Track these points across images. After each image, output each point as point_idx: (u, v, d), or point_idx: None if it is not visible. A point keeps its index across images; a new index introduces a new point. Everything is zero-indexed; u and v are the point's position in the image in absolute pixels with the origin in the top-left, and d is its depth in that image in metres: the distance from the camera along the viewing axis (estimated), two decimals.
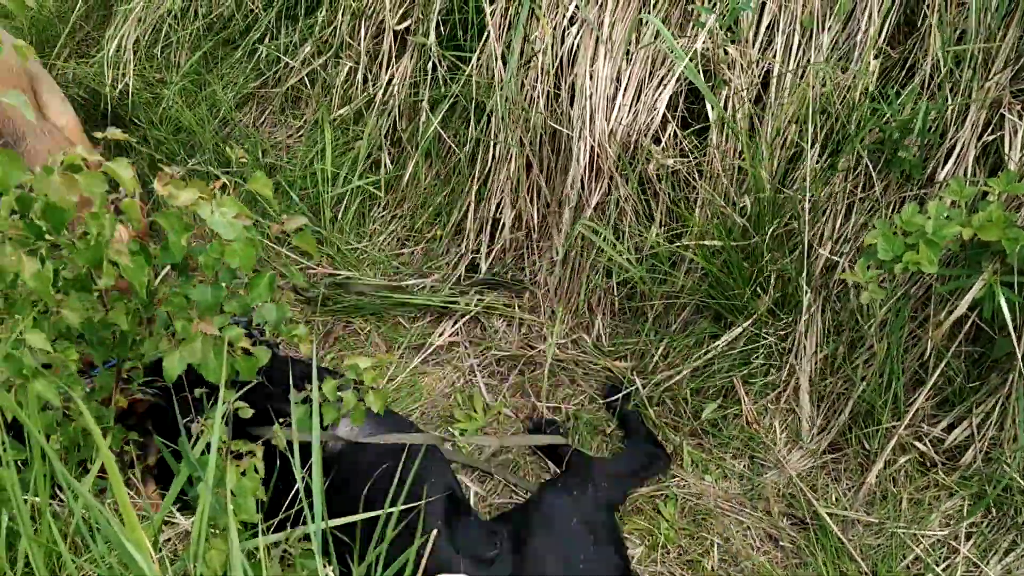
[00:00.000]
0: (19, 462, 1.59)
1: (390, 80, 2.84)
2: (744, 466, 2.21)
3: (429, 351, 2.49)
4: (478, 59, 2.66)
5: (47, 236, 1.24)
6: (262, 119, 3.06)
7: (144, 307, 1.43)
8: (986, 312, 1.92)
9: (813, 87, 2.28)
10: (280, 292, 1.47)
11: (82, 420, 1.41)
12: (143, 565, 1.30)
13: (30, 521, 1.48)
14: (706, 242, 2.36)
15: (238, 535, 1.53)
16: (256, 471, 1.43)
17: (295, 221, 1.39)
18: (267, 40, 2.96)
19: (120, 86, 2.98)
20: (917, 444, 2.11)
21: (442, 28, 2.73)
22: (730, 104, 2.37)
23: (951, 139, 2.15)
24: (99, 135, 1.43)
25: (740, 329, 2.29)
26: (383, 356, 1.68)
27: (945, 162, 2.15)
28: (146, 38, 3.02)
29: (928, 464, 2.11)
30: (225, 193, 1.31)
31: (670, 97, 2.41)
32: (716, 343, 2.31)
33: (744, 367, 2.30)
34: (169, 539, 1.91)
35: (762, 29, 2.36)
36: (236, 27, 2.97)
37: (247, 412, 1.57)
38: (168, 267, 1.45)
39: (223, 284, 1.39)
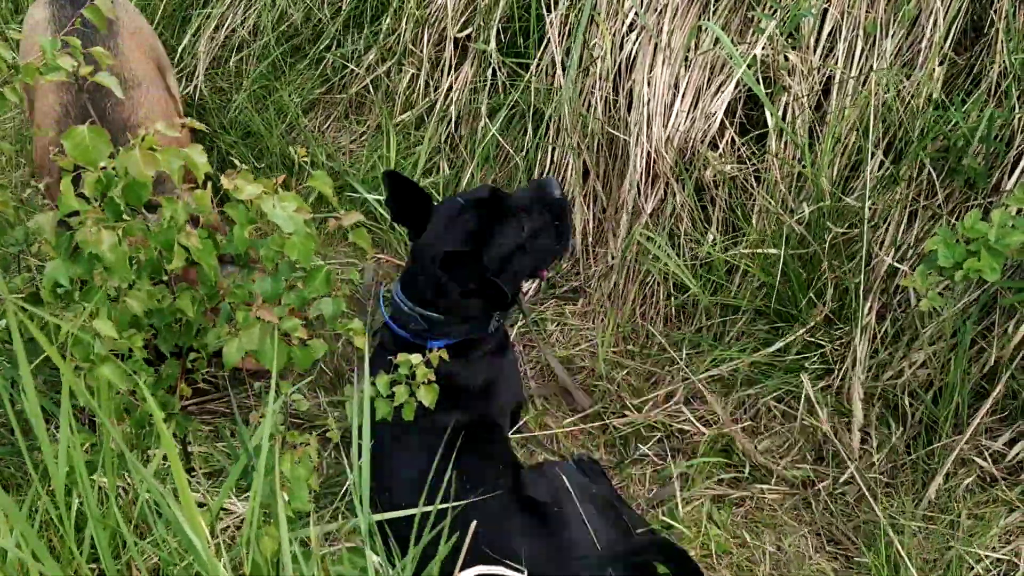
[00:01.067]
0: (89, 446, 1.66)
1: (450, 86, 2.89)
2: (800, 474, 2.18)
3: None
4: (537, 66, 2.69)
5: (124, 216, 1.31)
6: (327, 124, 3.14)
7: (209, 297, 1.49)
8: None
9: (876, 94, 2.25)
10: (337, 286, 1.51)
11: (147, 406, 1.47)
12: (200, 550, 1.35)
13: (97, 504, 1.55)
14: (763, 250, 2.34)
15: (291, 523, 1.58)
16: (310, 459, 1.47)
17: (351, 217, 1.43)
18: (334, 48, 3.04)
19: (191, 90, 3.09)
20: (978, 459, 2.05)
21: (502, 35, 2.78)
22: (790, 111, 2.35)
23: (1018, 147, 2.10)
24: (162, 127, 1.49)
25: (795, 336, 2.27)
26: (435, 353, 1.70)
27: (1012, 171, 2.10)
28: (219, 48, 3.13)
29: (989, 479, 2.06)
30: (287, 189, 1.36)
31: (728, 103, 2.40)
32: (769, 348, 2.29)
33: (798, 376, 2.27)
34: (228, 527, 1.98)
35: (824, 35, 2.34)
36: (304, 36, 3.05)
37: (303, 405, 1.62)
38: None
39: (282, 276, 1.44)
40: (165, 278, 1.51)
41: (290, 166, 2.86)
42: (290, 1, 3.02)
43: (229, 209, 1.43)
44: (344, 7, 2.96)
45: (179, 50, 3.20)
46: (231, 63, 3.15)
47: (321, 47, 3.02)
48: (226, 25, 3.14)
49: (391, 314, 2.02)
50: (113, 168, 1.36)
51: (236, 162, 1.96)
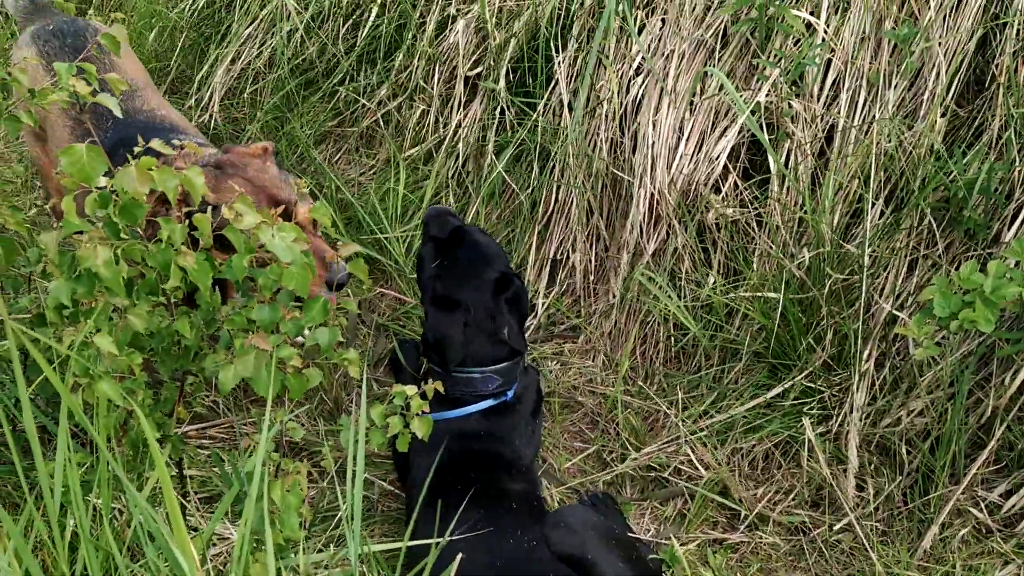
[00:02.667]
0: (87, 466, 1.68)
1: (459, 123, 2.93)
2: (796, 520, 2.17)
3: None
4: (545, 105, 2.74)
5: (122, 235, 1.34)
6: (337, 156, 3.19)
7: (207, 323, 1.52)
8: None
9: (877, 143, 2.27)
10: (334, 316, 1.54)
11: (143, 428, 1.49)
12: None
13: (91, 525, 1.56)
14: (763, 294, 2.35)
15: (282, 551, 1.58)
16: (300, 488, 1.48)
17: (348, 248, 1.46)
18: (347, 82, 3.09)
19: (205, 119, 3.15)
20: (973, 510, 2.04)
21: (511, 75, 2.82)
22: (792, 157, 2.38)
23: (1017, 200, 2.11)
24: (158, 146, 1.53)
25: (793, 381, 2.27)
26: (431, 385, 1.72)
27: (1011, 223, 2.11)
28: (234, 79, 3.19)
29: (984, 530, 2.04)
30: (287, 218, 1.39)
31: (732, 148, 2.43)
32: (768, 394, 2.30)
33: (796, 421, 2.27)
34: (220, 552, 1.98)
35: (827, 84, 2.37)
36: (319, 70, 3.11)
37: (298, 433, 1.63)
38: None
39: (280, 305, 1.46)
40: (164, 300, 1.54)
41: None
42: (306, 36, 3.08)
43: (228, 234, 1.45)
44: (359, 43, 3.02)
45: (196, 80, 3.27)
46: (246, 94, 3.21)
47: (334, 81, 3.08)
48: (242, 58, 3.20)
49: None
50: (112, 187, 1.39)
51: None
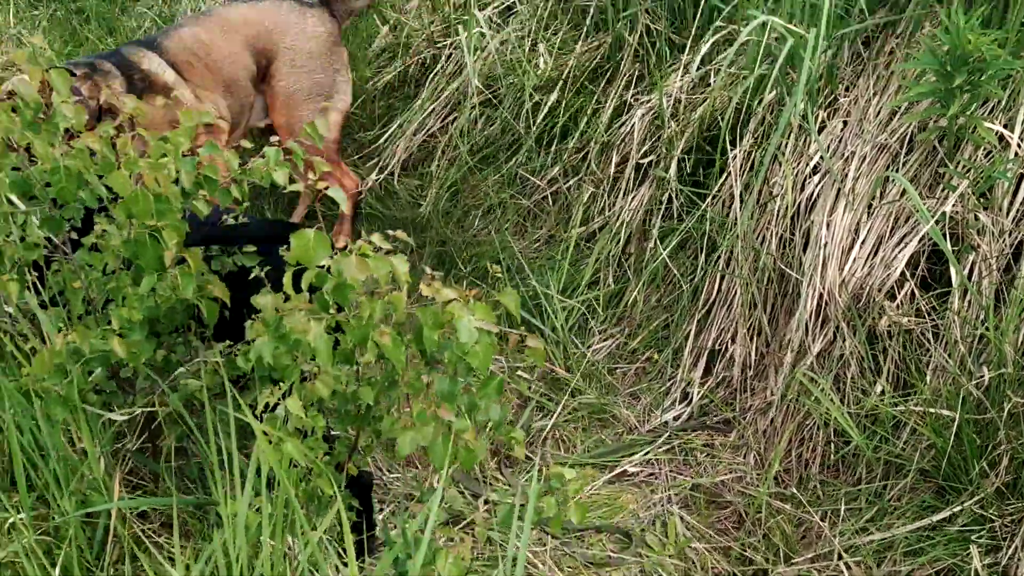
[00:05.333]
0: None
1: (625, 207, 2.99)
2: None
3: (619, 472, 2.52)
4: (714, 196, 2.76)
5: (330, 311, 1.46)
6: (504, 228, 3.31)
7: (389, 387, 1.61)
8: None
9: None
10: (506, 395, 1.60)
11: (319, 481, 1.59)
12: None
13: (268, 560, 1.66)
14: (935, 409, 2.25)
15: None
16: (463, 559, 1.53)
17: (535, 342, 1.53)
18: (520, 160, 3.22)
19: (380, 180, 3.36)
20: None
21: (684, 164, 2.86)
22: (976, 270, 2.29)
23: None
24: (377, 241, 1.65)
25: (963, 506, 2.15)
26: (587, 472, 1.74)
27: None
28: (415, 151, 3.40)
29: None
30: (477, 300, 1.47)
31: (910, 255, 2.37)
32: (934, 516, 2.18)
33: (963, 548, 2.14)
34: None
35: (1018, 199, 2.28)
36: (498, 146, 3.26)
37: (458, 503, 1.69)
38: None
39: (460, 379, 1.54)
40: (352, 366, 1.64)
41: (476, 272, 3.03)
42: (486, 112, 3.24)
43: (420, 312, 1.55)
44: (535, 125, 3.14)
45: (380, 141, 3.50)
46: (422, 165, 3.40)
47: (510, 160, 3.21)
48: (425, 129, 3.40)
49: None
50: (328, 268, 1.51)
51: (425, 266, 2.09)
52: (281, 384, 1.56)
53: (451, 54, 3.34)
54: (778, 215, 2.59)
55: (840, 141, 2.56)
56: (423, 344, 1.49)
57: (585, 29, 3.09)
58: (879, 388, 2.40)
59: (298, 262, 1.50)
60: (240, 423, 1.66)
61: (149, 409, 1.82)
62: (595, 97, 3.08)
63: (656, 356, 2.83)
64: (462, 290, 1.46)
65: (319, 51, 3.04)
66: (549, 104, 3.09)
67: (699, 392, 2.70)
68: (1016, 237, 2.29)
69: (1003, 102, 2.34)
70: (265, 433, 1.49)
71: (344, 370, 1.58)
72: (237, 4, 3.09)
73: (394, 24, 3.69)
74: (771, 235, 2.60)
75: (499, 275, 1.77)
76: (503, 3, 3.30)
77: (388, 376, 1.59)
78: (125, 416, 1.76)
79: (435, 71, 3.42)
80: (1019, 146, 2.29)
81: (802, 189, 2.58)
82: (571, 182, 3.12)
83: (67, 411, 1.65)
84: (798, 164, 2.60)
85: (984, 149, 2.31)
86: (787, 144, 2.60)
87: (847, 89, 2.62)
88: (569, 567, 2.21)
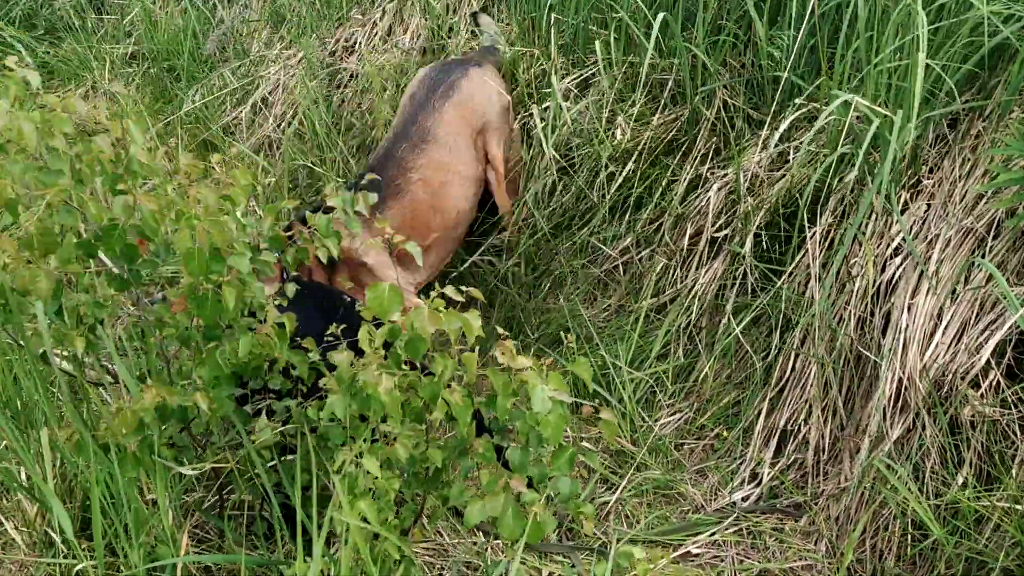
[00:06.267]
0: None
1: (699, 279, 2.97)
2: None
3: (683, 552, 2.45)
4: (790, 274, 2.72)
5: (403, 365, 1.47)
6: (572, 296, 3.31)
7: (460, 452, 1.60)
8: None
9: None
10: (576, 469, 1.57)
11: (387, 544, 1.58)
12: None
13: None
14: (1022, 506, 2.14)
15: None
16: None
17: (607, 414, 1.51)
18: (595, 229, 3.23)
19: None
20: None
21: (760, 239, 2.84)
22: None
23: None
24: (450, 293, 1.66)
25: None
26: (657, 552, 1.70)
27: None
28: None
29: None
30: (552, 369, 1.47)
31: (996, 343, 2.28)
32: None
33: None
34: None
35: None
36: (571, 214, 3.28)
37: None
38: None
39: (531, 449, 1.52)
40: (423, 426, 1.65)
41: (541, 339, 3.03)
42: (564, 180, 3.27)
43: (491, 375, 1.55)
44: (608, 195, 3.16)
45: None
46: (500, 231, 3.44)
47: (583, 227, 3.23)
48: None
49: None
50: (400, 321, 1.52)
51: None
52: (357, 442, 1.57)
53: (526, 122, 3.40)
54: (856, 295, 2.54)
55: (924, 223, 2.51)
56: (494, 408, 1.49)
57: (662, 102, 3.12)
58: (960, 480, 2.30)
59: (374, 316, 1.52)
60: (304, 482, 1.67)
61: (220, 465, 1.85)
62: (670, 169, 3.08)
63: (726, 433, 2.77)
64: (535, 359, 1.46)
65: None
66: (624, 174, 3.10)
67: (769, 473, 2.62)
68: None
69: None
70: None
71: (416, 429, 1.58)
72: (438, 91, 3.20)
73: None
74: (849, 315, 2.55)
75: (571, 344, 1.76)
76: (581, 75, 3.35)
77: (460, 443, 1.58)
78: (196, 471, 1.79)
79: None
80: None
81: (883, 271, 2.53)
82: (643, 253, 3.11)
83: (139, 467, 1.68)
84: (879, 245, 2.55)
85: None
86: (867, 225, 2.55)
87: (931, 171, 2.57)
88: None
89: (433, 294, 1.58)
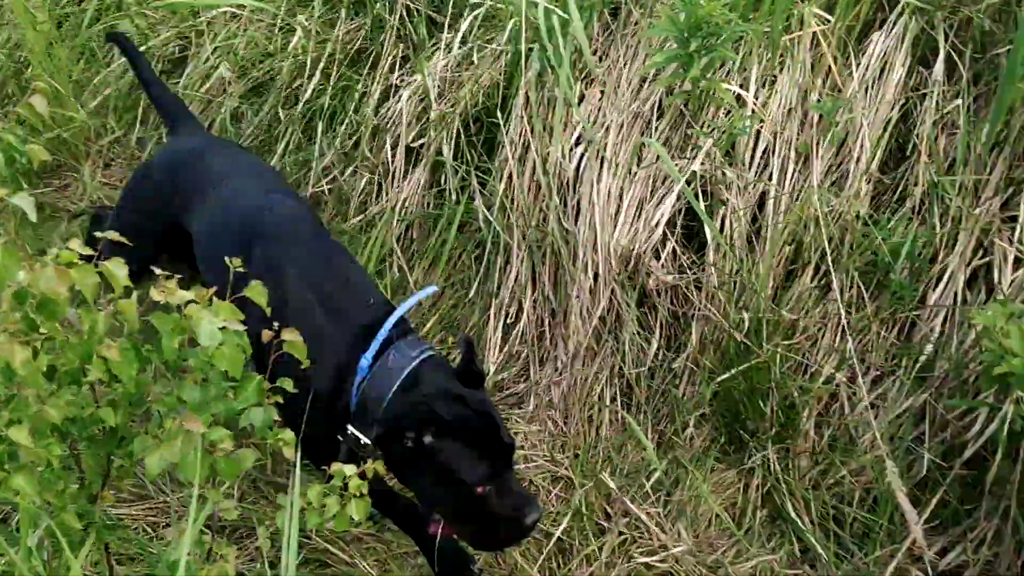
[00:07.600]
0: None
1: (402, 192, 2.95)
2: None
3: None
4: (493, 175, 2.77)
5: (41, 330, 1.31)
6: None
7: (135, 404, 1.49)
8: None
9: (806, 210, 2.34)
10: (269, 396, 1.52)
11: (65, 515, 1.45)
12: None
13: None
14: (702, 362, 2.38)
15: None
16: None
17: (290, 334, 1.46)
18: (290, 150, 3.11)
19: None
20: (913, 568, 2.06)
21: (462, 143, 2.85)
22: (727, 223, 2.44)
23: (941, 263, 2.19)
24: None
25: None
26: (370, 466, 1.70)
27: (935, 285, 2.18)
28: None
29: None
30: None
31: (670, 216, 2.48)
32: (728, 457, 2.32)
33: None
34: None
35: (758, 154, 2.45)
36: (265, 140, 3.12)
37: (232, 514, 1.60)
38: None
39: (211, 386, 1.44)
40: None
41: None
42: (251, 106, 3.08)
43: (156, 319, 1.43)
44: (299, 110, 3.03)
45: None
46: None
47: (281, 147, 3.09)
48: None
49: None
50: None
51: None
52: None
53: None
54: (553, 187, 2.62)
55: (599, 111, 2.64)
56: (164, 354, 1.39)
57: (342, 12, 3.02)
58: (655, 344, 2.51)
59: None
60: None
61: None
62: (361, 81, 3.01)
63: (452, 339, 2.82)
64: (201, 289, 1.37)
65: None
66: (313, 88, 2.99)
67: (494, 368, 2.72)
68: (759, 188, 2.46)
69: (737, 64, 2.49)
70: None
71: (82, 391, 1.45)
72: None
73: None
74: (548, 207, 2.63)
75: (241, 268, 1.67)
76: None
77: (134, 394, 1.47)
78: None
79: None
80: (755, 104, 2.45)
81: (570, 160, 2.64)
82: (345, 169, 3.04)
83: None
84: (564, 134, 2.65)
85: (724, 109, 2.46)
86: (551, 116, 2.64)
87: (600, 59, 2.70)
88: None
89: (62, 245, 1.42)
